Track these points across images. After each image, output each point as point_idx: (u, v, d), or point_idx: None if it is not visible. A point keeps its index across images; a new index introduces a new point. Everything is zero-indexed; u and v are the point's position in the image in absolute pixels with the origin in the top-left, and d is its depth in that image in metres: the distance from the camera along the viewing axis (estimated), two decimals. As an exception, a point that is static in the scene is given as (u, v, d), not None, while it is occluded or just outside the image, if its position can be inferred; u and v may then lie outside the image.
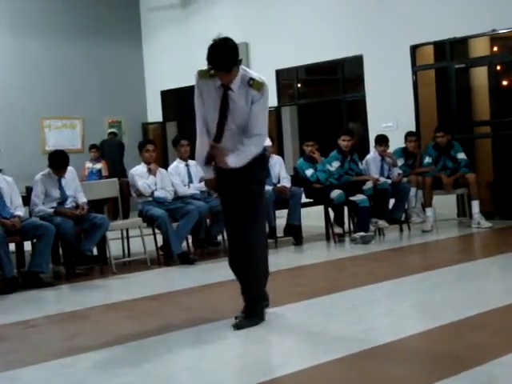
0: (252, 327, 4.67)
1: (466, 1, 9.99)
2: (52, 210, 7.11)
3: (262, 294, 4.89)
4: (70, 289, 6.77)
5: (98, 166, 12.16)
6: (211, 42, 4.49)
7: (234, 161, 4.53)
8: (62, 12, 13.46)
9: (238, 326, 4.66)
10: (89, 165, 12.24)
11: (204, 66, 4.62)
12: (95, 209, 7.84)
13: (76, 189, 7.40)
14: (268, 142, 4.86)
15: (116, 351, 4.31)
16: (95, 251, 7.53)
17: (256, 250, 4.72)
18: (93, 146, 12.43)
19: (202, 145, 4.72)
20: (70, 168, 7.39)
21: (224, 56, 4.40)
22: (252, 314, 4.77)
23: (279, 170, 8.88)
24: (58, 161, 7.26)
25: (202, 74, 4.64)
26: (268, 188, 8.63)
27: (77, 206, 7.28)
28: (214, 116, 4.60)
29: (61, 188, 7.27)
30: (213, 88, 4.56)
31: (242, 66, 4.58)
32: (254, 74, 4.58)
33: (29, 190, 7.41)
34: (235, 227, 4.72)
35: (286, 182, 8.75)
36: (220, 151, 4.55)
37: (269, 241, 8.46)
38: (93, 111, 13.64)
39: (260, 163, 4.69)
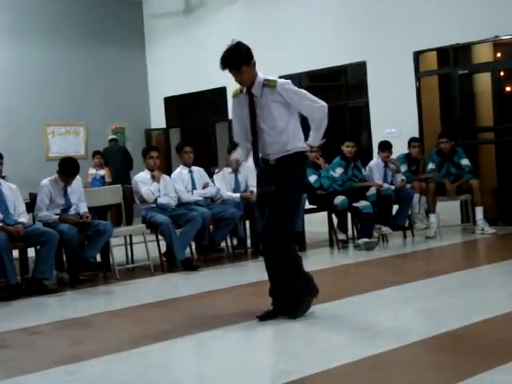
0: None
1: (469, 7, 10.00)
2: (56, 217, 7.11)
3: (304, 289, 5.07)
4: (74, 295, 6.77)
5: (102, 172, 12.18)
6: (228, 46, 5.06)
7: (313, 138, 4.99)
8: (65, 18, 13.51)
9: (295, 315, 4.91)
10: (92, 171, 12.26)
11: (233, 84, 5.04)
12: (99, 215, 7.86)
13: (79, 198, 7.40)
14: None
15: (119, 358, 4.30)
16: (99, 258, 7.53)
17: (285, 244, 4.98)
18: (96, 153, 12.45)
19: (243, 148, 5.18)
20: (77, 176, 7.40)
21: (232, 55, 4.93)
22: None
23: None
24: (70, 168, 7.25)
25: (234, 93, 5.15)
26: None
27: (79, 215, 7.27)
28: (247, 123, 5.02)
29: (66, 195, 7.27)
30: (242, 101, 5.03)
31: (260, 73, 5.01)
32: (266, 76, 5.00)
33: (32, 196, 7.42)
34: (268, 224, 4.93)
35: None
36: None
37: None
38: (96, 117, 13.67)
39: (301, 165, 5.04)
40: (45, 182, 7.26)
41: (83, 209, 7.35)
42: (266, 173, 5.03)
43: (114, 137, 13.32)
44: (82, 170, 11.13)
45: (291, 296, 5.07)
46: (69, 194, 7.29)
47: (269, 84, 4.90)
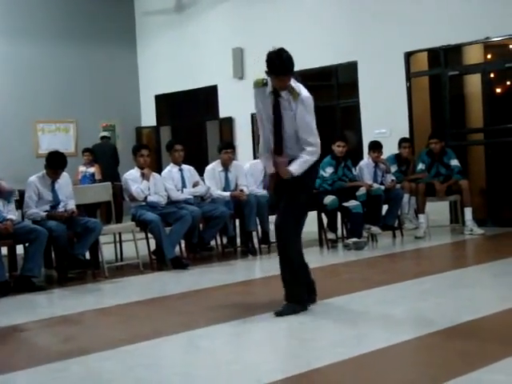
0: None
1: (460, 8, 10.03)
2: (45, 214, 7.09)
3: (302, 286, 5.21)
4: (62, 293, 6.75)
5: (92, 169, 12.14)
6: (272, 53, 5.00)
7: (297, 168, 5.04)
8: (56, 16, 13.46)
9: (279, 313, 5.00)
10: (82, 169, 12.21)
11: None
12: (88, 213, 7.83)
13: (68, 195, 7.38)
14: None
15: (108, 356, 4.29)
16: (88, 255, 7.50)
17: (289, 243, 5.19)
18: (86, 150, 12.40)
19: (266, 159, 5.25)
20: (64, 173, 7.37)
21: (288, 61, 4.97)
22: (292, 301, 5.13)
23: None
24: (57, 161, 7.24)
25: (257, 83, 5.15)
26: (263, 193, 8.66)
27: (66, 211, 7.24)
28: (268, 124, 5.11)
29: (54, 191, 7.25)
30: (267, 96, 5.08)
31: (292, 80, 5.06)
32: (298, 86, 5.07)
33: (22, 193, 7.38)
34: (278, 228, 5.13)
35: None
36: (281, 164, 5.05)
37: (262, 246, 8.54)
38: (86, 115, 13.63)
39: (312, 171, 5.19)
40: (32, 178, 7.23)
41: (70, 205, 7.32)
42: (281, 185, 5.18)
43: (106, 134, 13.26)
44: (72, 168, 11.15)
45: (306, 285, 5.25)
46: (56, 190, 7.26)
47: (293, 93, 5.03)
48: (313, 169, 5.23)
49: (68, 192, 7.40)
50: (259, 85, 5.13)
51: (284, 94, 5.04)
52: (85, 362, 4.19)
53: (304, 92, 5.08)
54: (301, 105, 5.03)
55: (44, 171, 7.27)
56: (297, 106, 5.03)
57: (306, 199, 5.28)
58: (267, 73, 5.02)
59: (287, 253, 5.20)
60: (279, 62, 4.95)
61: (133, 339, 4.62)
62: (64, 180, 7.37)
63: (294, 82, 5.09)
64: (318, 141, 5.11)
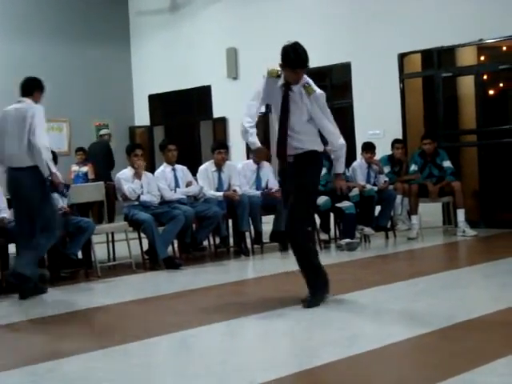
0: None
1: (454, 10, 10.05)
2: None
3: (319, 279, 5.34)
4: (54, 292, 6.71)
5: (84, 169, 12.09)
6: (287, 46, 5.22)
7: (342, 168, 5.52)
8: (49, 15, 13.42)
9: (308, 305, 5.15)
10: (75, 168, 12.16)
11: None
12: (81, 212, 7.81)
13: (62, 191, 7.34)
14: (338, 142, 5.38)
15: (99, 355, 4.28)
16: (80, 255, 7.48)
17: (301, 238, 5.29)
18: (79, 149, 12.36)
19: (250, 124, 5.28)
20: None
21: (304, 54, 5.13)
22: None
23: (268, 175, 8.89)
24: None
25: (271, 73, 5.30)
26: (257, 194, 8.65)
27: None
28: (276, 114, 5.23)
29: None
30: (277, 88, 5.20)
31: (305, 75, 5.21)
32: (310, 82, 5.22)
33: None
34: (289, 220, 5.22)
35: (274, 188, 8.73)
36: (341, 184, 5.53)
37: (255, 246, 8.54)
38: (80, 114, 13.58)
39: (316, 165, 5.38)
40: None
41: (61, 203, 7.27)
42: (285, 170, 5.37)
43: (106, 132, 13.09)
44: (65, 167, 11.14)
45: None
46: None
47: (307, 89, 5.16)
48: (318, 163, 5.42)
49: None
50: (273, 75, 5.26)
51: (295, 88, 5.15)
52: (76, 361, 4.17)
53: (317, 89, 5.21)
54: (315, 102, 5.16)
55: None
56: (311, 103, 5.16)
57: (312, 192, 5.49)
58: (281, 66, 5.14)
59: (302, 246, 5.29)
60: (295, 55, 5.09)
61: (125, 339, 4.61)
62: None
63: (307, 78, 5.24)
64: (338, 135, 5.33)
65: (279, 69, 5.22)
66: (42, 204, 6.21)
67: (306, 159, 5.24)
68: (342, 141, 5.38)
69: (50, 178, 6.27)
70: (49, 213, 6.27)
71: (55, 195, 6.88)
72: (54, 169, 6.26)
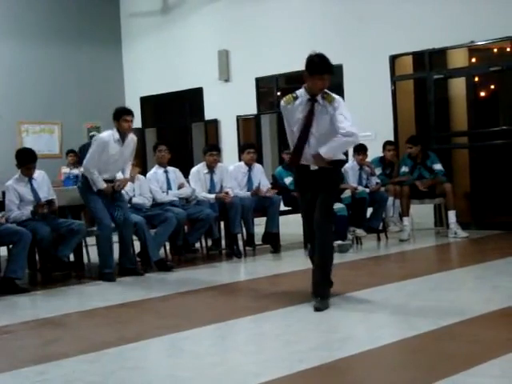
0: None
1: (445, 12, 10.09)
2: (28, 212, 7.02)
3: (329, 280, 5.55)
4: (46, 295, 6.71)
5: (75, 171, 12.03)
6: (312, 55, 5.40)
7: (325, 150, 5.31)
8: (41, 16, 13.40)
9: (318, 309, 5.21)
10: (65, 170, 12.06)
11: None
12: (72, 215, 7.79)
13: (48, 192, 7.32)
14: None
15: (91, 358, 4.27)
16: (72, 257, 7.46)
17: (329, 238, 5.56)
18: (70, 151, 12.34)
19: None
20: (40, 171, 7.33)
21: (326, 60, 5.34)
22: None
23: (260, 177, 8.90)
24: (26, 156, 7.21)
25: (287, 101, 5.45)
26: (248, 196, 8.65)
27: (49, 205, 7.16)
28: (296, 127, 5.40)
29: (33, 190, 7.19)
30: (299, 106, 5.38)
31: None
32: (327, 91, 5.42)
33: (5, 195, 7.33)
34: (315, 224, 5.44)
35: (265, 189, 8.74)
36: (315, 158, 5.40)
37: (247, 248, 8.54)
38: (71, 116, 13.57)
39: (340, 173, 5.85)
40: (9, 182, 7.19)
41: (51, 197, 7.26)
42: (305, 179, 5.51)
43: (94, 133, 13.10)
44: (57, 169, 11.10)
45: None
46: (36, 188, 7.20)
47: (327, 98, 5.35)
48: (339, 171, 5.80)
49: (47, 189, 7.34)
50: (290, 101, 5.43)
51: (319, 98, 5.33)
52: (68, 364, 4.16)
53: (335, 95, 5.41)
54: (338, 107, 5.34)
55: (19, 172, 7.23)
56: (334, 109, 5.33)
57: (335, 196, 5.96)
58: (307, 76, 5.32)
59: (327, 247, 5.47)
60: (321, 61, 5.30)
61: (117, 342, 4.60)
62: (41, 177, 7.32)
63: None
64: (351, 123, 5.38)
65: (292, 94, 5.43)
66: None
67: (332, 168, 5.44)
68: (354, 129, 5.40)
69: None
70: None
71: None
72: None
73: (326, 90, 5.37)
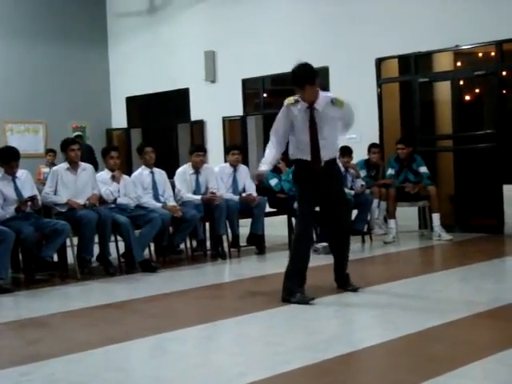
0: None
1: (431, 16, 10.14)
2: (11, 211, 6.98)
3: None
4: (29, 295, 6.67)
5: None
6: (294, 66, 5.60)
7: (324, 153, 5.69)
8: (27, 15, 13.33)
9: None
10: (45, 169, 11.97)
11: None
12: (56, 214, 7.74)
13: (32, 190, 7.27)
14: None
15: (75, 359, 4.26)
16: (56, 258, 7.43)
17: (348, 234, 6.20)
18: (50, 150, 12.27)
19: (271, 154, 5.78)
20: (23, 170, 7.29)
21: (304, 70, 5.55)
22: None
23: (245, 179, 8.90)
24: (8, 154, 7.16)
25: (289, 103, 5.65)
26: (233, 197, 8.65)
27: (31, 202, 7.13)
28: (305, 134, 5.62)
29: (17, 189, 7.13)
30: (301, 112, 5.60)
31: (322, 91, 5.66)
32: (332, 94, 5.75)
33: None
34: (336, 217, 5.89)
35: (251, 192, 8.75)
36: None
37: (232, 250, 8.53)
38: (57, 116, 13.51)
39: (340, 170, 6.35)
40: None
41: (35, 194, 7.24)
42: (310, 187, 5.72)
43: (78, 133, 13.08)
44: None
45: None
46: (20, 188, 7.15)
47: (336, 103, 5.61)
48: (340, 169, 6.28)
49: (31, 188, 7.29)
50: (291, 102, 5.62)
51: (318, 106, 5.55)
52: (51, 365, 4.14)
53: (344, 99, 5.69)
54: (351, 110, 5.72)
55: (2, 171, 7.19)
56: (345, 112, 5.68)
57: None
58: (297, 86, 5.53)
59: (349, 240, 6.07)
60: (293, 74, 5.54)
61: (101, 342, 4.59)
62: (24, 176, 7.27)
63: (328, 93, 5.83)
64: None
65: (295, 96, 5.61)
66: None
67: (335, 164, 5.89)
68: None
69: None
70: None
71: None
72: None
73: (332, 97, 5.62)
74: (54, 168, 7.83)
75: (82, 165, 7.69)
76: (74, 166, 7.59)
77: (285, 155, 9.05)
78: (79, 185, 7.58)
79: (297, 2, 11.70)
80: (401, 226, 9.48)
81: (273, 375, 3.76)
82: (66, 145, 7.68)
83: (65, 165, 7.63)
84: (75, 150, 7.60)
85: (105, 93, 14.48)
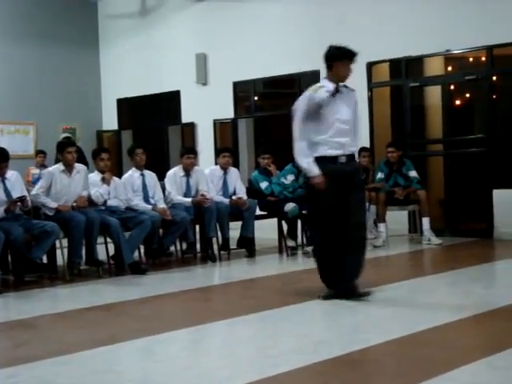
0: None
1: (422, 21, 10.17)
2: (2, 210, 6.96)
3: None
4: (18, 297, 6.65)
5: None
6: (330, 46, 5.88)
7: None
8: (18, 17, 13.29)
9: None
10: (35, 171, 11.92)
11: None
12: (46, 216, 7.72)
13: (22, 192, 7.25)
14: None
15: (63, 361, 4.24)
16: (45, 259, 7.40)
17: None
18: (40, 152, 12.22)
19: (303, 149, 5.64)
20: (13, 171, 7.27)
21: (340, 48, 5.74)
22: None
23: (235, 182, 8.89)
24: None
25: (315, 90, 5.62)
26: (224, 200, 8.64)
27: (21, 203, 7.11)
28: (339, 113, 5.58)
29: (6, 190, 7.11)
30: (329, 92, 5.57)
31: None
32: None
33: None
34: (357, 215, 5.64)
35: (242, 195, 8.75)
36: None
37: (222, 252, 8.53)
38: (47, 117, 13.46)
39: None
40: None
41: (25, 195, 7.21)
42: (333, 194, 5.51)
43: (67, 135, 13.02)
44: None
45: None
46: (9, 189, 7.13)
47: (348, 88, 5.74)
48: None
49: (21, 189, 7.27)
50: (316, 89, 5.61)
51: (343, 89, 5.62)
52: (39, 367, 4.12)
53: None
54: (355, 98, 5.76)
55: None
56: (355, 98, 5.80)
57: None
58: (331, 65, 5.65)
59: (365, 240, 5.85)
60: (345, 48, 5.65)
61: (89, 344, 4.57)
62: (14, 177, 7.25)
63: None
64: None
65: (317, 84, 5.67)
66: None
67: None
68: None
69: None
70: None
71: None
72: None
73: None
74: (50, 169, 7.77)
75: (77, 167, 7.65)
76: (69, 169, 7.55)
77: (274, 158, 9.17)
78: (73, 187, 7.54)
79: (288, 5, 11.71)
80: (391, 230, 9.50)
81: (261, 378, 3.75)
82: (62, 146, 7.60)
83: (60, 166, 7.58)
84: (72, 153, 7.52)
85: (96, 94, 14.44)
